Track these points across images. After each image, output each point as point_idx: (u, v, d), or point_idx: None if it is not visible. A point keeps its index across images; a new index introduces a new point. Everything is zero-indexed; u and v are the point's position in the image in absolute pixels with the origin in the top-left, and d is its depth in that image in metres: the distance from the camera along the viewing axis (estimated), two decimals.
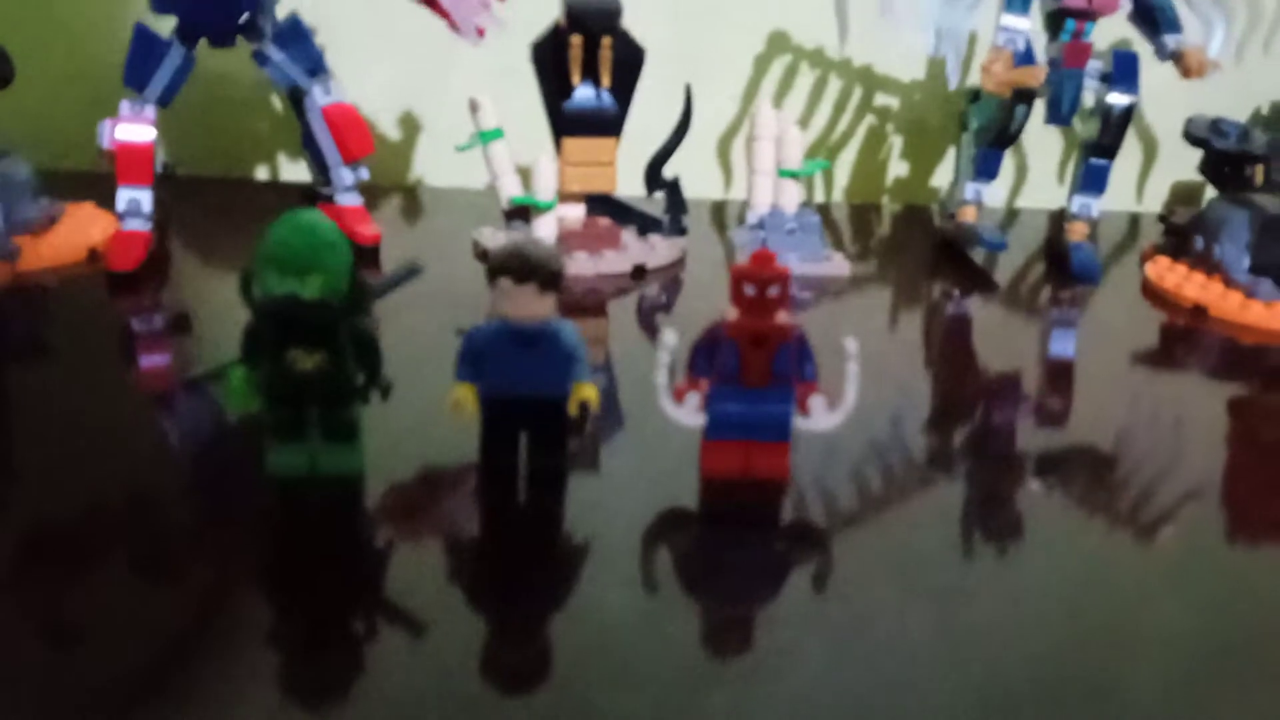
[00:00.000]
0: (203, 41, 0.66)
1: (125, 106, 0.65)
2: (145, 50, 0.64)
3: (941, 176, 0.92)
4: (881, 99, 0.90)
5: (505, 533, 0.42)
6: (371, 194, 0.72)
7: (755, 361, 0.43)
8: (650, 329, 0.64)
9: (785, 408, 0.43)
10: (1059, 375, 0.61)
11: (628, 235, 0.72)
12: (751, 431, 0.44)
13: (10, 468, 0.45)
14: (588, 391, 0.42)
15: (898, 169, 0.92)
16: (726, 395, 0.43)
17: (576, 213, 0.70)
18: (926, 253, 0.79)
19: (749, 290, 0.42)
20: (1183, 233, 0.74)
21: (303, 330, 0.40)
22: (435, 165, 0.88)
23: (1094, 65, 0.71)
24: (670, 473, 0.45)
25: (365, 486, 0.43)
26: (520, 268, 0.40)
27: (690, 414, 0.44)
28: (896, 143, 0.92)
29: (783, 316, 0.43)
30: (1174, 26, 0.70)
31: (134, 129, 0.65)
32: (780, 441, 0.44)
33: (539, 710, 0.33)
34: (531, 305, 0.41)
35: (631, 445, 0.49)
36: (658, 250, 0.71)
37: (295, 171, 0.88)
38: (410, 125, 0.88)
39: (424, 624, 0.36)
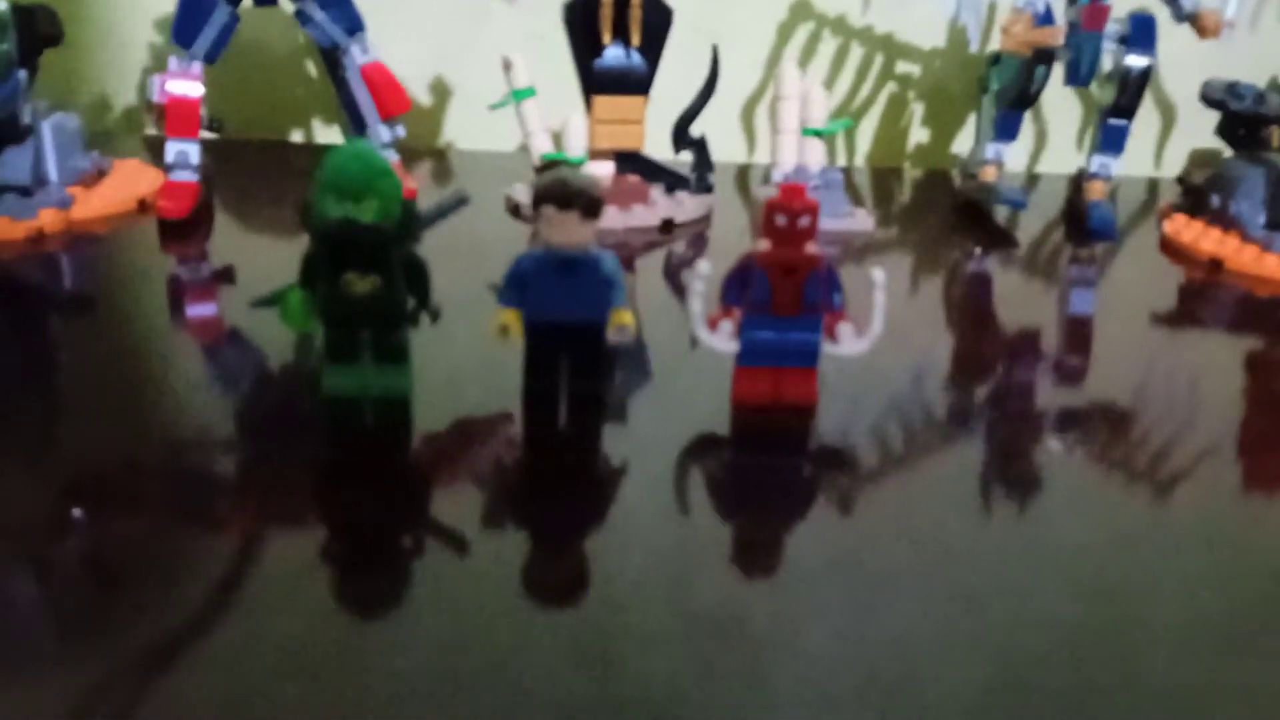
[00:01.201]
0: (244, 5, 0.68)
1: (173, 62, 0.67)
2: (192, 8, 0.67)
3: (962, 142, 0.93)
4: (903, 66, 0.92)
5: (545, 454, 0.44)
6: (403, 157, 0.74)
7: (786, 290, 0.45)
8: (678, 279, 0.66)
9: (814, 335, 0.45)
10: (1078, 332, 0.62)
11: (656, 192, 0.74)
12: (782, 358, 0.46)
13: (66, 409, 0.47)
14: (625, 316, 0.44)
15: (919, 134, 0.94)
16: (758, 323, 0.45)
17: (606, 169, 0.72)
18: (948, 215, 0.80)
19: (780, 221, 0.44)
20: (1200, 191, 0.75)
21: (357, 253, 0.42)
22: (466, 129, 0.90)
23: (1112, 28, 0.72)
24: (701, 403, 0.47)
25: (414, 409, 0.45)
26: (563, 195, 0.42)
27: (723, 341, 0.45)
28: (917, 109, 0.93)
29: (812, 247, 0.45)
30: None
31: (183, 84, 0.67)
32: (809, 368, 0.46)
33: (570, 623, 0.35)
34: (573, 232, 0.43)
35: (663, 380, 0.50)
36: (685, 206, 0.73)
37: (329, 135, 0.90)
38: (441, 89, 0.90)
39: (467, 540, 0.38)
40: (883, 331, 0.45)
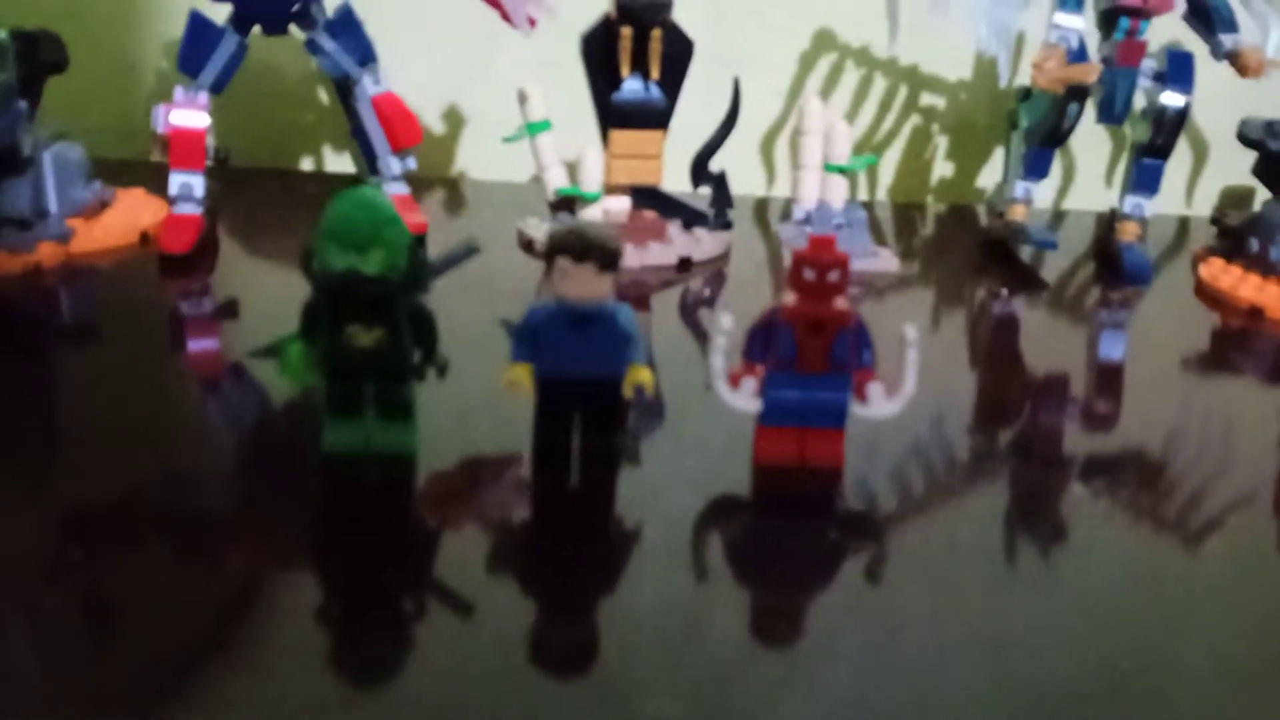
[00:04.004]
0: (254, 33, 0.67)
1: (179, 92, 0.66)
2: (199, 37, 0.65)
3: (987, 177, 0.91)
4: (927, 98, 0.89)
5: (557, 514, 0.42)
6: (414, 186, 0.72)
7: (813, 347, 0.42)
8: (695, 321, 0.64)
9: (842, 395, 0.43)
10: (1108, 377, 0.60)
11: (673, 228, 0.71)
12: (807, 418, 0.43)
13: (62, 448, 0.46)
14: (643, 374, 0.42)
15: (943, 169, 0.92)
16: (782, 381, 0.43)
17: (622, 205, 0.70)
18: (973, 252, 0.78)
19: (808, 275, 0.42)
20: (1237, 234, 0.73)
21: (361, 305, 0.40)
22: (478, 158, 0.89)
23: (1148, 64, 0.70)
24: (722, 460, 0.45)
25: (419, 465, 0.43)
26: (579, 247, 0.40)
27: (746, 399, 0.43)
28: (942, 142, 0.91)
29: (841, 303, 0.42)
30: (1230, 26, 0.69)
31: (188, 114, 0.65)
32: (835, 429, 0.44)
33: (583, 694, 0.33)
34: (589, 285, 0.40)
35: (683, 433, 0.48)
36: (703, 243, 0.71)
37: (340, 163, 0.89)
38: (454, 118, 0.88)
39: (472, 605, 0.36)
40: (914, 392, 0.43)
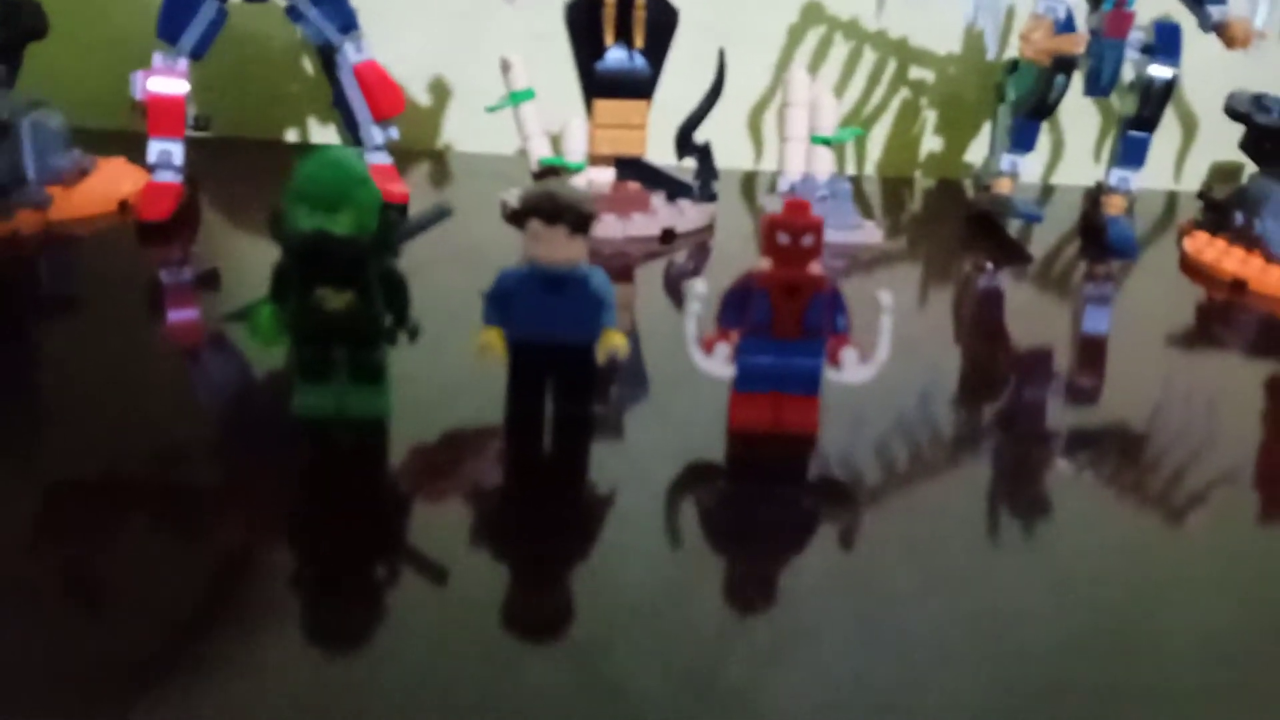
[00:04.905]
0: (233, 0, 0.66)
1: (158, 59, 0.65)
2: (179, 2, 0.64)
3: (976, 151, 0.90)
4: (916, 72, 0.89)
5: (530, 480, 0.42)
6: (400, 158, 0.72)
7: (787, 312, 0.42)
8: (677, 292, 0.63)
9: (816, 360, 0.43)
10: (1093, 351, 0.60)
11: (657, 199, 0.71)
12: (781, 384, 0.43)
13: (40, 416, 0.45)
14: (616, 338, 0.42)
15: (931, 143, 0.91)
16: (757, 347, 0.43)
17: (606, 176, 0.70)
18: (960, 227, 0.78)
19: (783, 239, 0.41)
20: (1222, 208, 0.73)
21: (331, 268, 0.39)
22: (464, 130, 0.88)
23: (1135, 36, 0.70)
24: (697, 428, 0.45)
25: (395, 432, 0.43)
26: (551, 209, 0.39)
27: (720, 365, 0.43)
28: (930, 116, 0.90)
29: (816, 267, 0.42)
30: None
31: (166, 81, 0.65)
32: (810, 395, 0.43)
33: (558, 659, 0.33)
34: (561, 248, 0.40)
35: (658, 401, 0.48)
36: (687, 215, 0.70)
37: (325, 134, 0.88)
38: (440, 90, 0.88)
39: (446, 570, 0.36)
40: (889, 358, 0.43)
